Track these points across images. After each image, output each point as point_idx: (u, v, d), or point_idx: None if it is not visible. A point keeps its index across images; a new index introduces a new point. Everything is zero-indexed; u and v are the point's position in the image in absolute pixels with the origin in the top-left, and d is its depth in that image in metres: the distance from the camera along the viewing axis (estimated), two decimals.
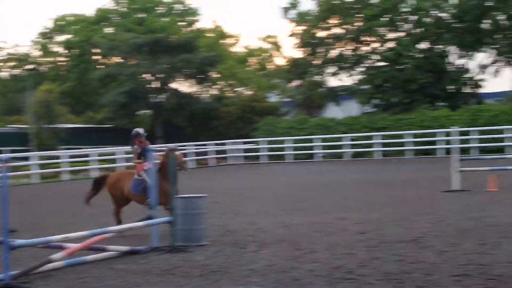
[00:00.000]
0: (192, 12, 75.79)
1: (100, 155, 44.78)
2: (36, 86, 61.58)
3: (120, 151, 44.79)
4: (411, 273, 10.77)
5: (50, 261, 11.91)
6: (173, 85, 63.13)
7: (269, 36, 73.22)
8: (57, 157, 43.33)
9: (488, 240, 13.20)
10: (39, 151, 46.72)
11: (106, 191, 17.12)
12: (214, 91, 67.55)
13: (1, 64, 78.27)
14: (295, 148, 49.34)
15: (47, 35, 79.95)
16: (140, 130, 17.24)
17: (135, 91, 58.38)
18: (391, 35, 57.82)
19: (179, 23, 73.72)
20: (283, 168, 41.72)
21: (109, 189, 16.95)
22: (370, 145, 47.53)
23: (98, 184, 17.37)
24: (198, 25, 75.70)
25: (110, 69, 63.77)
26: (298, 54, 62.84)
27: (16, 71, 78.61)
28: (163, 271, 11.86)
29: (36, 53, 80.00)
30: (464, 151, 42.54)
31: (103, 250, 13.35)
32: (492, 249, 12.30)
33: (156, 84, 60.84)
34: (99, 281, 11.18)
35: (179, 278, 11.19)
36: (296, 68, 61.80)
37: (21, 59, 78.43)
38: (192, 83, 64.56)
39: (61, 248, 12.56)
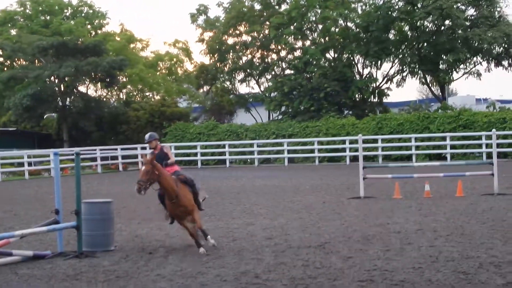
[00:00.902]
0: (100, 15, 74.84)
1: (4, 158, 43.74)
2: None
3: (27, 155, 43.90)
4: (316, 278, 10.91)
5: None
6: (81, 88, 62.25)
7: (177, 41, 72.98)
8: None
9: (393, 246, 13.48)
10: None
11: None
12: (122, 95, 66.90)
13: None
14: (205, 154, 49.40)
15: None
16: (146, 136, 14.88)
17: (41, 94, 57.22)
18: (299, 44, 58.53)
19: (86, 26, 72.68)
20: (193, 173, 41.53)
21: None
22: (278, 152, 48.03)
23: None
24: (106, 29, 74.86)
25: (15, 71, 62.28)
26: (207, 60, 62.98)
27: None
28: (68, 276, 11.69)
29: None
30: (370, 158, 43.50)
31: (8, 254, 13.07)
32: (396, 255, 12.58)
33: (62, 88, 59.84)
34: (2, 286, 10.93)
35: (84, 284, 11.06)
36: (205, 74, 61.86)
37: None
38: (100, 86, 63.78)
39: None
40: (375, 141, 44.97)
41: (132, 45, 72.43)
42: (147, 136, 14.91)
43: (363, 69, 58.09)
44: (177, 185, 13.90)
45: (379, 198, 22.62)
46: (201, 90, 65.91)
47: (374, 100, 57.57)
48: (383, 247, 13.37)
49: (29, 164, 44.26)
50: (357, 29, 56.67)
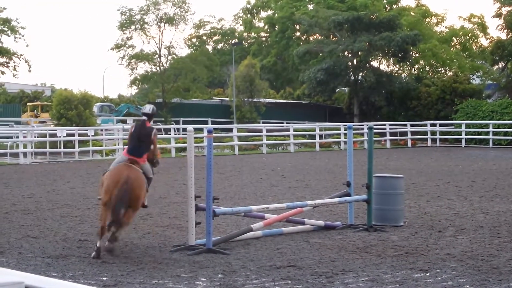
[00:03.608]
0: None
1: (297, 130, 45.46)
2: (239, 60, 63.37)
3: (318, 128, 45.25)
4: None
5: (250, 230, 12.29)
6: (372, 63, 62.78)
7: (473, 16, 70.95)
8: (257, 130, 44.39)
9: None
10: (239, 124, 48.11)
11: None
12: (414, 71, 66.47)
13: (207, 38, 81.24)
14: (497, 133, 47.66)
15: (250, 11, 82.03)
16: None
17: (334, 68, 58.62)
18: None
19: (382, 1, 73.06)
20: (484, 152, 40.44)
21: None
22: None
23: None
24: (401, 4, 74.66)
25: (310, 45, 64.35)
26: (504, 35, 60.54)
27: (220, 45, 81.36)
28: (357, 248, 11.90)
29: (239, 28, 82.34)
30: None
31: (300, 223, 13.60)
32: None
33: (355, 62, 60.78)
34: (295, 253, 11.40)
35: (373, 257, 11.19)
36: (501, 50, 59.51)
37: (225, 34, 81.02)
38: (392, 62, 63.86)
39: (260, 218, 12.91)
40: None
41: (426, 20, 71.64)
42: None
43: None
44: None
45: None
46: (496, 67, 63.55)
47: None
48: None
49: (320, 136, 45.57)
50: None
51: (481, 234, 13.18)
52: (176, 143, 38.33)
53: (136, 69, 59.82)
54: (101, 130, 41.90)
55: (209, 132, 12.04)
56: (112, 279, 9.72)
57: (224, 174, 25.94)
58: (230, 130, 41.95)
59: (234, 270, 10.19)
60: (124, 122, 54.58)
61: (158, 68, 59.34)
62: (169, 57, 59.56)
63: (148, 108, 12.18)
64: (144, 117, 12.02)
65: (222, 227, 13.75)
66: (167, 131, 43.92)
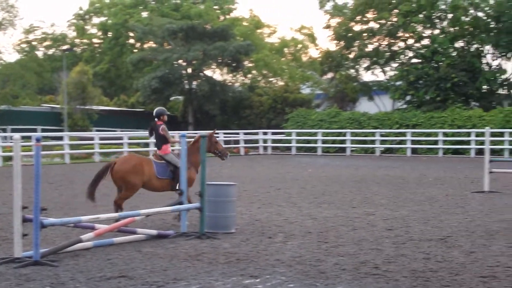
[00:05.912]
0: (229, 0, 75.84)
1: (131, 138, 45.07)
2: (71, 67, 62.03)
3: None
4: (438, 271, 10.73)
5: (80, 241, 12.03)
6: (207, 72, 63.28)
7: (303, 27, 73.09)
8: (89, 138, 43.65)
9: None
10: (71, 132, 47.06)
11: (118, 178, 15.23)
12: (247, 80, 67.57)
13: (37, 43, 78.96)
14: (326, 141, 49.31)
15: (82, 17, 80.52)
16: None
17: (168, 77, 58.60)
18: (427, 32, 57.36)
19: (215, 11, 73.79)
20: (313, 160, 41.68)
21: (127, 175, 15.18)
22: (401, 142, 47.36)
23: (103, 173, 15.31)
24: (234, 14, 75.74)
25: (144, 53, 64.05)
26: (333, 46, 62.75)
27: (51, 51, 79.31)
28: (189, 256, 11.93)
29: (72, 33, 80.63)
30: (496, 152, 42.26)
31: (132, 232, 13.46)
32: None
33: (189, 71, 61.02)
34: (127, 263, 11.27)
35: (205, 264, 11.25)
36: (330, 60, 61.62)
37: (57, 39, 79.09)
38: (225, 71, 64.65)
39: (91, 228, 12.69)
40: (502, 134, 43.68)
41: (259, 31, 73.05)
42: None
43: (492, 60, 56.34)
44: None
45: (504, 193, 22.00)
46: (325, 77, 65.74)
47: (503, 92, 55.79)
48: (507, 243, 12.99)
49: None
50: (488, 19, 54.99)
51: (309, 239, 13.55)
52: (3, 151, 37.04)
53: None
54: None
55: (37, 140, 11.68)
56: None
57: (53, 183, 25.29)
58: (61, 138, 40.94)
59: (63, 282, 9.94)
60: None
61: None
62: None
63: (154, 111, 16.02)
64: (155, 118, 15.67)
65: (51, 238, 13.39)
66: None
